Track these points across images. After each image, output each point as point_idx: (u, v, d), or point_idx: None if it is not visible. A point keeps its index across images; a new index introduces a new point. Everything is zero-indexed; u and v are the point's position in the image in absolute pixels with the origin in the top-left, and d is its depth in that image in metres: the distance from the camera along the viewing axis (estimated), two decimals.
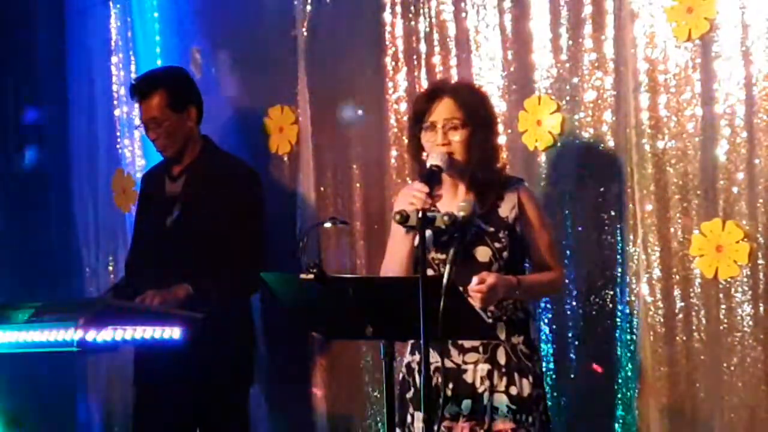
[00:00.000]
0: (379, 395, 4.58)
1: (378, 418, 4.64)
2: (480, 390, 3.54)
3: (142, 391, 4.53)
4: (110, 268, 5.51)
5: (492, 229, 3.58)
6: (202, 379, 4.22)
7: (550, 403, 3.79)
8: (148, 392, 4.47)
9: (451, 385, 3.54)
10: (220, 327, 4.07)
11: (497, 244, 3.57)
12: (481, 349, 3.56)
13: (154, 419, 4.43)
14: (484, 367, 3.55)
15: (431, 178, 3.39)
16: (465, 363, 3.57)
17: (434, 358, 3.49)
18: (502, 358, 3.56)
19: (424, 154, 3.61)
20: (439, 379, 3.52)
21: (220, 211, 4.34)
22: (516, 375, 3.55)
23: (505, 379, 3.54)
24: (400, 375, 3.71)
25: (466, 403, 3.53)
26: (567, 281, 4.07)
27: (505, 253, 3.57)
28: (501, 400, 3.52)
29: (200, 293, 4.21)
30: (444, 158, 3.47)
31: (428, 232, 3.31)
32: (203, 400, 4.31)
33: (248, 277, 4.28)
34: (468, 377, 3.55)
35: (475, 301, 3.39)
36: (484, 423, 3.51)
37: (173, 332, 3.84)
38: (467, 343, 3.56)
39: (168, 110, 4.40)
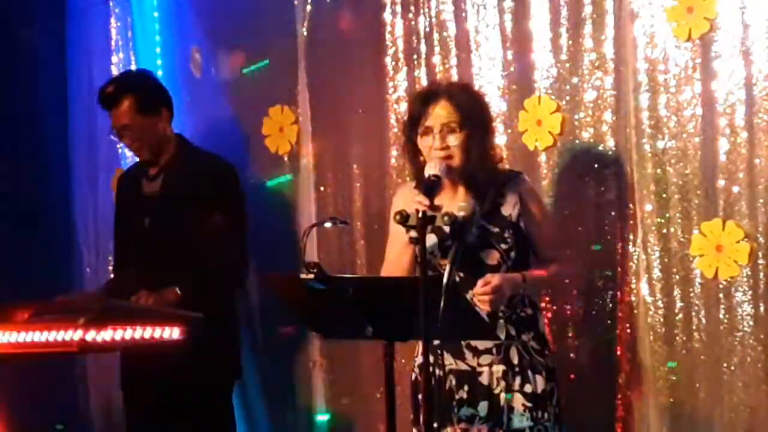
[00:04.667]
0: (379, 395, 4.58)
1: (378, 418, 4.64)
2: (496, 391, 3.54)
3: (130, 393, 4.56)
4: (110, 268, 5.51)
5: (497, 230, 3.57)
6: (187, 376, 4.22)
7: None
8: (136, 395, 4.51)
9: (466, 388, 3.54)
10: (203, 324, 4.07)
11: (503, 245, 3.56)
12: (494, 350, 3.56)
13: (145, 422, 4.46)
14: (499, 369, 3.55)
15: (431, 188, 3.30)
16: (480, 365, 3.57)
17: (448, 360, 3.50)
18: (515, 358, 3.56)
19: (421, 157, 3.60)
20: (453, 382, 3.53)
21: (200, 208, 4.35)
22: (530, 372, 3.56)
23: (519, 377, 3.55)
24: (413, 375, 3.71)
25: (483, 405, 3.54)
26: (567, 281, 4.06)
27: (512, 254, 3.57)
28: (517, 400, 3.53)
29: (187, 294, 4.23)
30: (441, 167, 3.41)
31: (433, 239, 3.28)
32: (187, 397, 4.32)
33: (232, 272, 4.39)
34: (484, 379, 3.56)
35: (484, 304, 3.38)
36: (502, 424, 3.52)
37: (173, 332, 3.85)
38: (481, 345, 3.56)
39: (138, 115, 4.40)
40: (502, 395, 3.53)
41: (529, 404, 3.52)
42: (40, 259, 5.54)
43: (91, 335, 3.57)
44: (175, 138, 4.54)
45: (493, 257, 3.55)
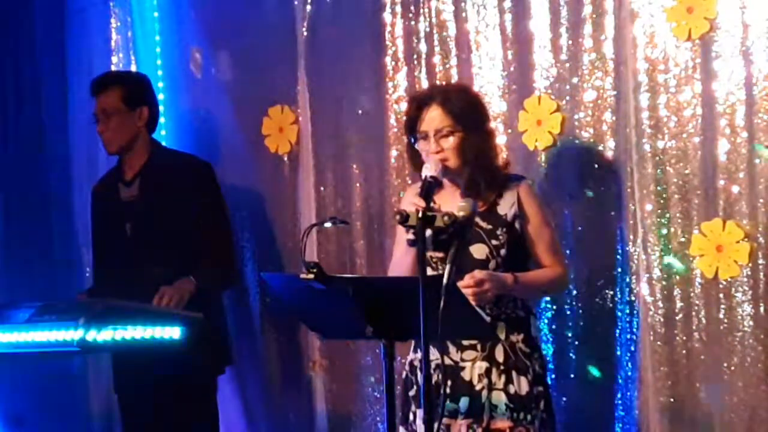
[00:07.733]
0: (379, 395, 4.59)
1: (378, 418, 4.64)
2: (478, 388, 3.54)
3: (124, 395, 4.58)
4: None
5: (490, 227, 3.58)
6: (175, 372, 4.21)
7: None
8: (130, 396, 4.52)
9: (449, 383, 3.54)
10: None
11: (494, 242, 3.57)
12: (479, 346, 3.57)
13: (142, 421, 4.47)
14: (482, 365, 3.56)
15: (429, 190, 3.34)
16: (463, 360, 3.57)
17: (434, 355, 3.49)
18: (500, 356, 3.56)
19: (421, 158, 3.61)
20: (439, 377, 3.53)
21: (181, 209, 4.38)
22: (514, 373, 3.55)
23: (503, 377, 3.55)
24: (404, 373, 3.72)
25: (464, 401, 3.54)
26: (566, 287, 4.05)
27: (502, 251, 3.57)
28: (499, 399, 3.53)
29: (200, 284, 4.28)
30: (438, 168, 3.45)
31: (428, 232, 3.31)
32: (176, 390, 4.33)
33: (229, 264, 4.47)
34: (466, 375, 3.56)
35: (468, 298, 3.39)
36: (482, 421, 3.52)
37: (173, 332, 3.84)
38: (466, 341, 3.56)
39: (121, 104, 4.45)
40: (484, 392, 3.53)
41: (511, 405, 3.52)
42: (40, 259, 5.54)
43: (91, 335, 3.58)
44: (150, 142, 4.56)
45: (482, 252, 3.56)
